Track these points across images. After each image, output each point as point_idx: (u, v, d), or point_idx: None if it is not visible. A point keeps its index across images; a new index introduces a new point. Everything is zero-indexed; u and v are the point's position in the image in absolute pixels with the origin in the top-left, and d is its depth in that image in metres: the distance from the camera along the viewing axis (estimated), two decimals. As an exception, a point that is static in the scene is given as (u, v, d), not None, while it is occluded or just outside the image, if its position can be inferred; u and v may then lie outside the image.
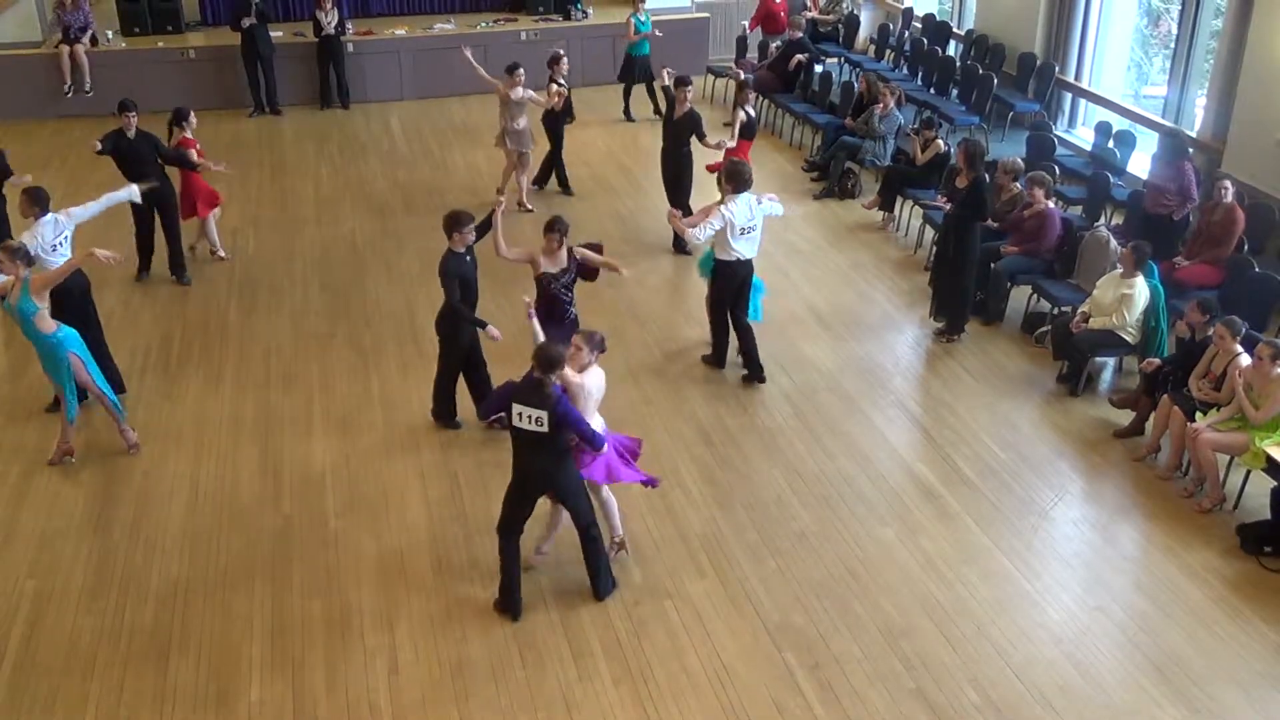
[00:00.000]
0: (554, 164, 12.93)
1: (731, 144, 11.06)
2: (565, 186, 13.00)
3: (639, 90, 15.39)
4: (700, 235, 8.63)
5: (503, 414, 6.94)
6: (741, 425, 8.51)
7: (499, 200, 8.35)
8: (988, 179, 9.48)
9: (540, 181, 12.99)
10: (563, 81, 12.46)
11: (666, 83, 11.32)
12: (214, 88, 15.67)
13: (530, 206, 12.37)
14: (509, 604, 6.58)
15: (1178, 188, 9.92)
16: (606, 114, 15.88)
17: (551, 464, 6.34)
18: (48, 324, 7.61)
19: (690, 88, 11.27)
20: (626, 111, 15.62)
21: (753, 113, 11.43)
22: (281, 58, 16.09)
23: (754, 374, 9.05)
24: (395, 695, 6.07)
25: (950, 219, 9.56)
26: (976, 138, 13.39)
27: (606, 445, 6.54)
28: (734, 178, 8.65)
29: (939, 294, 9.80)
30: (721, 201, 8.69)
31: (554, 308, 7.96)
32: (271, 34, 15.80)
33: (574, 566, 6.86)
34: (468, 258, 7.94)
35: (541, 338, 6.80)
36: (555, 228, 7.91)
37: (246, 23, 15.06)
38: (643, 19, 14.99)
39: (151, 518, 7.49)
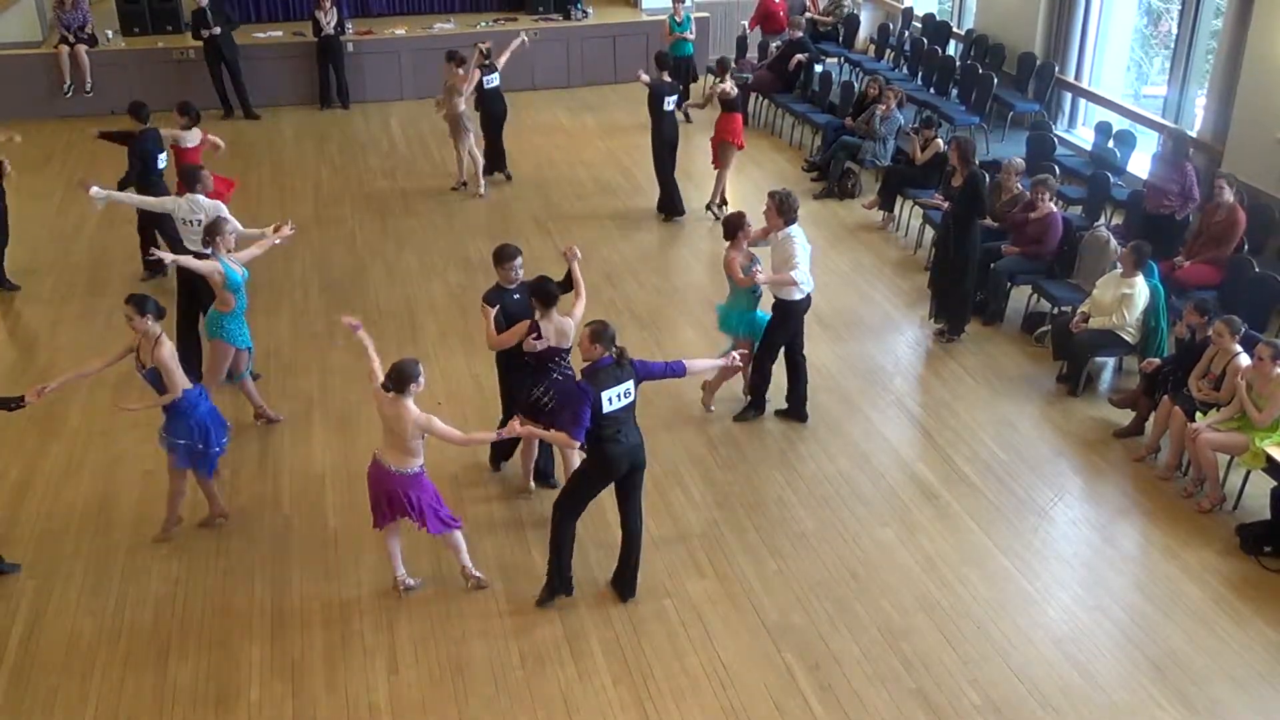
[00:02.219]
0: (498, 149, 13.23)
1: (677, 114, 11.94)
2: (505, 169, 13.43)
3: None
4: (801, 274, 8.00)
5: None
6: (741, 425, 8.50)
7: (573, 252, 7.61)
8: (985, 175, 9.47)
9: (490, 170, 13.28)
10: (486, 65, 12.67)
11: (645, 79, 11.84)
12: (213, 88, 15.63)
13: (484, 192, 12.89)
14: (564, 583, 6.67)
15: (1180, 188, 9.93)
16: (606, 115, 15.88)
17: (639, 433, 6.47)
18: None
19: (666, 70, 11.88)
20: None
21: (730, 88, 11.88)
22: (281, 57, 16.13)
23: (799, 414, 8.54)
24: (395, 695, 6.07)
25: (948, 217, 9.55)
26: (972, 137, 13.37)
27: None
28: (787, 210, 8.12)
29: (939, 295, 9.79)
30: (760, 233, 8.39)
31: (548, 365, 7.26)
32: (270, 34, 15.79)
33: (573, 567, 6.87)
34: (516, 295, 7.30)
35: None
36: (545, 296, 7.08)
37: (206, 33, 15.02)
38: (679, 19, 14.96)
39: (151, 518, 7.48)
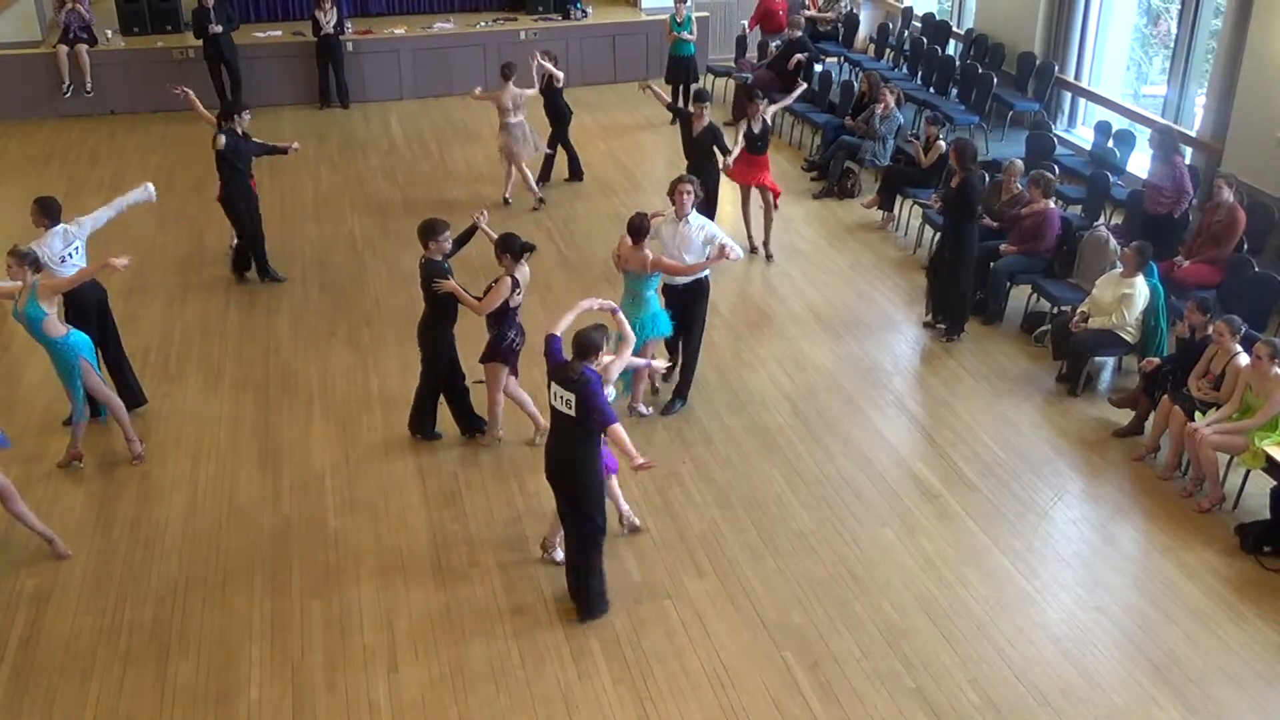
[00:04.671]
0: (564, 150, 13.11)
1: (728, 161, 10.80)
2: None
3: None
4: (739, 253, 8.49)
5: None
6: (741, 425, 8.51)
7: (481, 213, 8.28)
8: (984, 177, 9.47)
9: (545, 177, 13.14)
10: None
11: (652, 87, 11.51)
12: (212, 88, 15.63)
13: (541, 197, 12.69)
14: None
15: (1172, 183, 9.93)
16: (606, 114, 15.88)
17: (572, 456, 6.24)
18: (57, 328, 7.54)
19: (708, 103, 10.79)
20: (675, 116, 15.46)
21: (757, 128, 10.90)
22: (280, 57, 16.14)
23: (685, 393, 8.73)
24: (394, 694, 6.07)
25: (945, 220, 9.56)
26: (971, 137, 13.39)
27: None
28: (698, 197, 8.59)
29: (935, 294, 9.80)
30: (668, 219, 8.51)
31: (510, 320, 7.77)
32: (270, 33, 15.78)
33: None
34: (445, 264, 7.84)
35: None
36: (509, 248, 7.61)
37: (214, 29, 15.00)
38: (680, 19, 14.94)
39: (151, 518, 7.49)
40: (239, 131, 10.11)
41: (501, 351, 7.76)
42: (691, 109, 10.77)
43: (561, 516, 6.56)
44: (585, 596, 6.54)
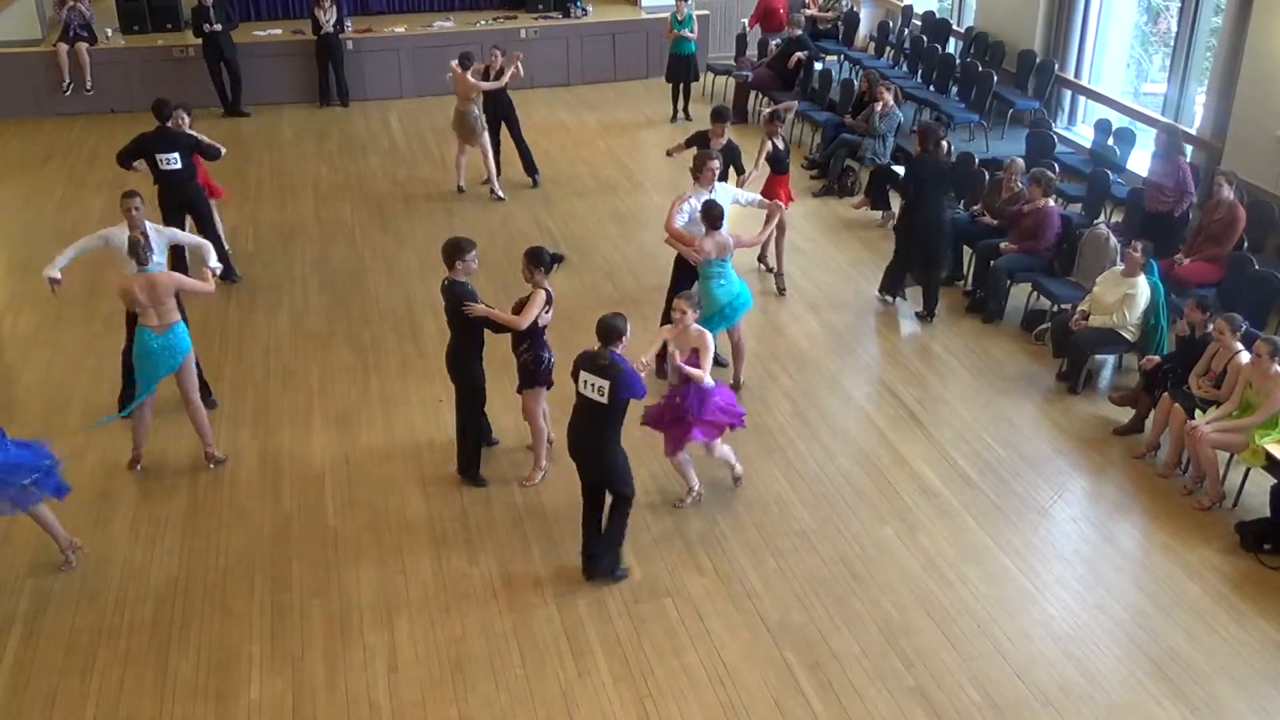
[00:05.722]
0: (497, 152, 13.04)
1: (749, 178, 10.47)
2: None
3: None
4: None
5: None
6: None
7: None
8: (977, 168, 9.53)
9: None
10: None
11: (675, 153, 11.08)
12: (212, 86, 15.63)
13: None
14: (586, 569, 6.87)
15: (1174, 183, 9.93)
16: (606, 112, 15.88)
17: (600, 439, 6.54)
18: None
19: (727, 121, 10.31)
20: (676, 114, 15.45)
21: (781, 145, 10.51)
22: (280, 55, 16.13)
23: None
24: (394, 693, 6.07)
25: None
26: (972, 135, 13.42)
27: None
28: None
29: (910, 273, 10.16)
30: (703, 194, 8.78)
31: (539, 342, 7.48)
32: (269, 32, 15.77)
33: (572, 562, 6.86)
34: (469, 286, 7.39)
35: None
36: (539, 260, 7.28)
37: (208, 27, 15.01)
38: (681, 17, 14.92)
39: (151, 517, 7.49)
40: (178, 130, 10.16)
41: (540, 375, 7.47)
42: (711, 126, 10.25)
43: (587, 491, 6.79)
44: (608, 559, 6.80)
